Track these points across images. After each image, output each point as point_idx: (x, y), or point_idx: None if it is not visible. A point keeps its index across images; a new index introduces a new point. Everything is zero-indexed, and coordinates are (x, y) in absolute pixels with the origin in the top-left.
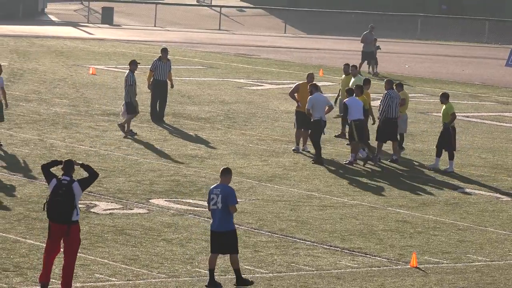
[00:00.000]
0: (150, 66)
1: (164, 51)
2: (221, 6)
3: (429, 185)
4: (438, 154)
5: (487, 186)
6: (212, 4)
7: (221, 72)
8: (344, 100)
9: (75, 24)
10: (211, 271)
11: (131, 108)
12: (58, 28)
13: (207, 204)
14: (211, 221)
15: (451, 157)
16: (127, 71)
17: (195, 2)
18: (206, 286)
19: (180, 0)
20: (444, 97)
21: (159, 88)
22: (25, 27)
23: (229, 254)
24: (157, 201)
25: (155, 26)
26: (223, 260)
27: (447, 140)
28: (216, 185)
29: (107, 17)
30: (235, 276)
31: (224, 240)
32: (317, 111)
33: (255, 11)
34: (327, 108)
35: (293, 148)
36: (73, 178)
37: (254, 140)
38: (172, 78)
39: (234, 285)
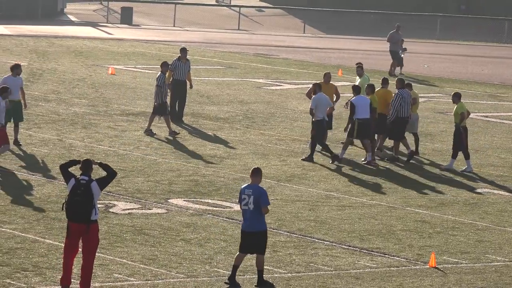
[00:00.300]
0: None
1: (183, 50)
2: (240, 6)
3: (448, 185)
4: (454, 156)
5: (506, 186)
6: (231, 4)
7: (240, 72)
8: (351, 99)
9: (94, 24)
10: (235, 268)
11: (155, 109)
12: (77, 28)
13: (238, 204)
14: (230, 221)
15: (466, 157)
16: (159, 72)
17: (214, 2)
18: (226, 282)
19: (199, 0)
20: (456, 97)
21: (179, 88)
22: (44, 27)
23: (256, 255)
24: (176, 201)
25: (174, 26)
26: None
27: (458, 141)
28: (247, 185)
29: (126, 17)
30: (257, 277)
31: (254, 240)
32: (320, 111)
33: (274, 11)
34: (328, 108)
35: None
36: (91, 177)
37: (273, 140)
38: (192, 78)
39: (255, 286)
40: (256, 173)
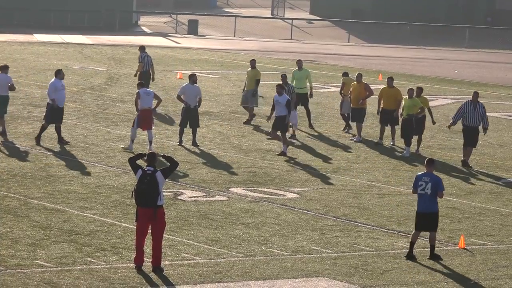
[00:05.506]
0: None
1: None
2: (292, 19)
3: (475, 177)
4: (408, 144)
5: None
6: (285, 17)
7: None
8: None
9: (164, 35)
10: (412, 244)
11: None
12: (149, 38)
13: (412, 188)
14: (284, 207)
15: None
16: None
17: (269, 15)
18: (405, 256)
19: (256, 13)
20: (411, 91)
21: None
22: (121, 37)
23: (429, 232)
24: (236, 190)
25: (234, 36)
26: (293, 242)
27: (411, 130)
28: (424, 173)
29: (192, 29)
30: (429, 251)
31: (429, 220)
32: (188, 99)
33: (322, 23)
34: (198, 98)
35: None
36: (156, 168)
37: (321, 136)
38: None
39: (427, 258)
40: (431, 163)
